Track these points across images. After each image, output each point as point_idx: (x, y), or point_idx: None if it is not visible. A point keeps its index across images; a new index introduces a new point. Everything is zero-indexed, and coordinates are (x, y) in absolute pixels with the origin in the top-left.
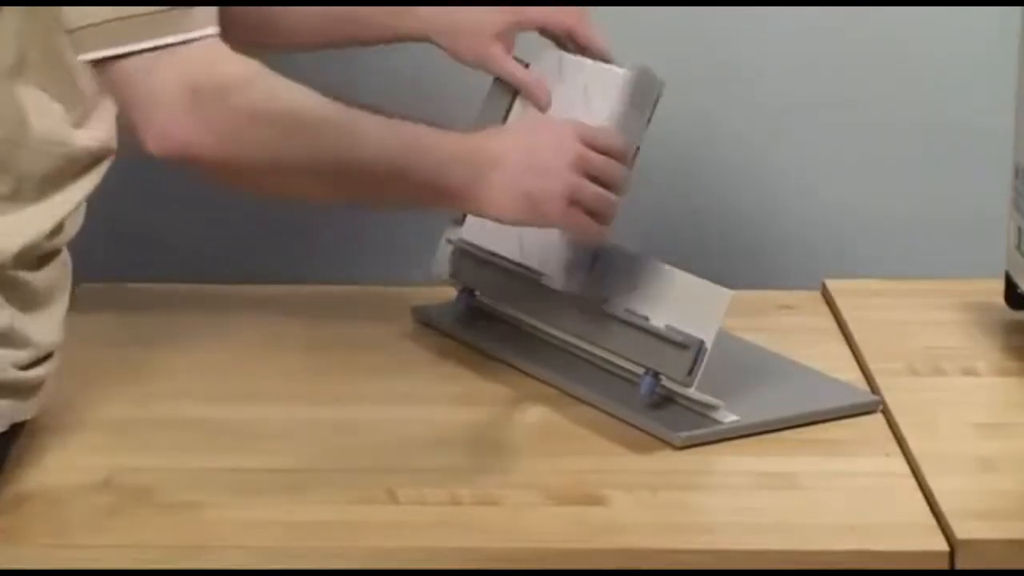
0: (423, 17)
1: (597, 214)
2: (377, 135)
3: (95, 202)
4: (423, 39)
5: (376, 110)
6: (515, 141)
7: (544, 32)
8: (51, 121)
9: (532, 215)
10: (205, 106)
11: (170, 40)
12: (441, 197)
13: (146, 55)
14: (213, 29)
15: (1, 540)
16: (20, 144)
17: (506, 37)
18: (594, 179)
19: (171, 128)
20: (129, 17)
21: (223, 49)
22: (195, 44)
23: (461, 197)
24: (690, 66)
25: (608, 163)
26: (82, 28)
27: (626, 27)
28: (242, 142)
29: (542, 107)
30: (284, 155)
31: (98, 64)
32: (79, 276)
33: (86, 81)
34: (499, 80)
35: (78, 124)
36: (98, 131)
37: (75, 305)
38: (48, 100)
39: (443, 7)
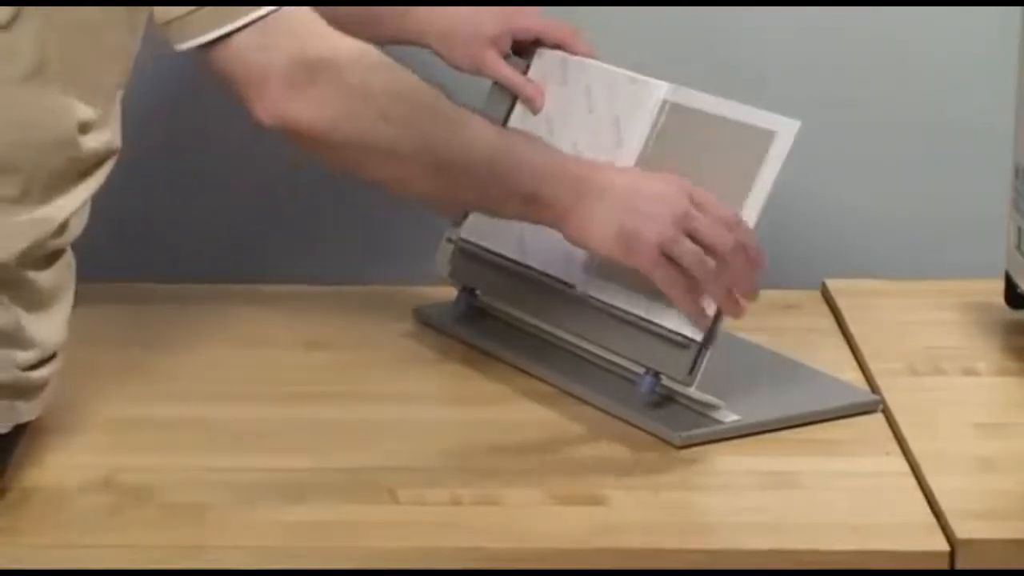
0: (419, 23)
1: (694, 275)
2: (486, 133)
3: (97, 201)
4: (419, 44)
5: (474, 110)
6: (624, 179)
7: (537, 44)
8: (61, 124)
9: (624, 253)
10: (319, 80)
11: (267, 10)
12: (536, 211)
13: (254, 29)
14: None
15: (1, 540)
16: (29, 146)
17: (501, 42)
18: (695, 240)
19: (285, 102)
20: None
21: (327, 27)
22: (294, 12)
23: (556, 217)
24: (690, 66)
25: (713, 226)
26: (184, 16)
27: (626, 27)
28: (354, 120)
29: (535, 109)
30: (394, 137)
31: (205, 48)
32: (80, 275)
33: (109, 81)
34: (498, 84)
35: (95, 124)
36: (105, 132)
37: (76, 304)
38: (63, 102)
39: (438, 13)
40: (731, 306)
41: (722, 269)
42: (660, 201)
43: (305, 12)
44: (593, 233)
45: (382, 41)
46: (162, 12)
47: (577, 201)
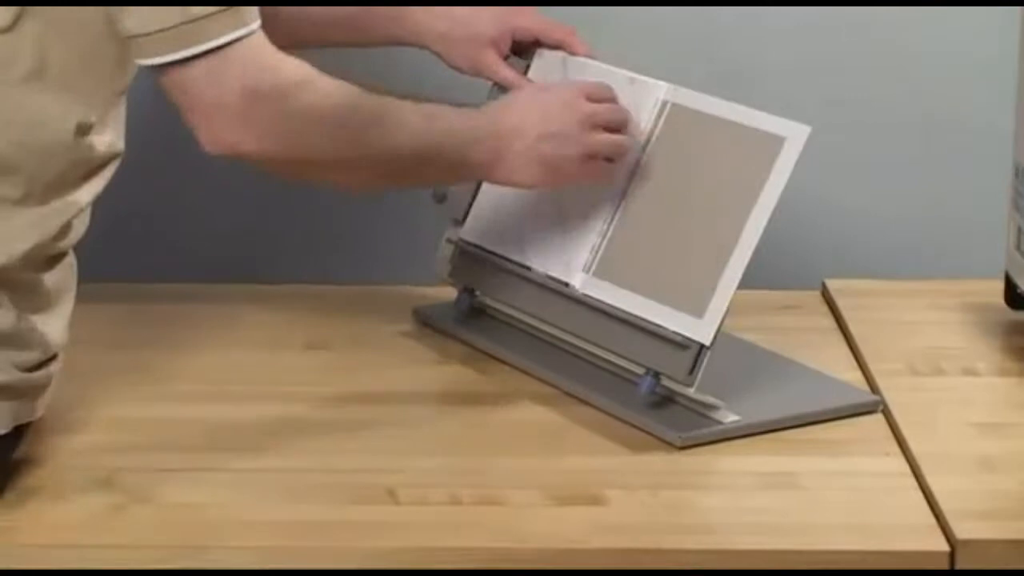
0: (418, 25)
1: (615, 158)
2: (414, 125)
3: (98, 202)
4: (419, 46)
5: (403, 96)
6: (528, 109)
7: (536, 44)
8: (61, 125)
9: (553, 178)
10: (266, 111)
11: (227, 39)
12: (470, 172)
13: (208, 59)
14: (258, 23)
15: (1, 540)
16: (31, 148)
17: (500, 42)
18: (604, 128)
19: (231, 132)
20: (186, 23)
21: (275, 51)
22: (249, 40)
23: (487, 169)
24: (690, 66)
25: (612, 110)
26: (143, 35)
27: (626, 27)
28: (298, 142)
29: None
30: (335, 151)
31: (160, 69)
32: (81, 275)
33: (110, 85)
34: (497, 85)
35: (96, 127)
36: (107, 134)
37: (76, 304)
38: (65, 104)
39: (436, 14)
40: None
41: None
42: (567, 113)
43: (257, 41)
44: (521, 174)
45: (380, 42)
46: (124, 26)
47: (497, 151)
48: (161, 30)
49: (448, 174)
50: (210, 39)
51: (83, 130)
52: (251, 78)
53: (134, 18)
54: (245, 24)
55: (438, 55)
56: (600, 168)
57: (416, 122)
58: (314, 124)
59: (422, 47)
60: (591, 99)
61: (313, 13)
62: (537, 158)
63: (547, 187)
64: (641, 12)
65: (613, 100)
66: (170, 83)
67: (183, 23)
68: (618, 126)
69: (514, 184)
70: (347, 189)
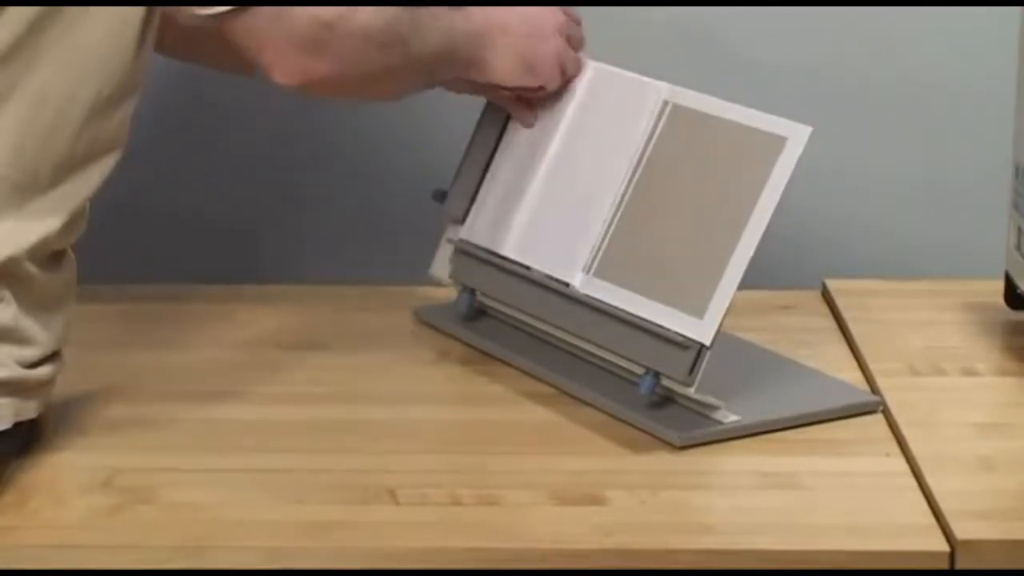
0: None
1: (572, 73)
2: (429, 22)
3: (97, 201)
4: None
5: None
6: (510, 10)
7: None
8: (64, 112)
9: (528, 76)
10: (333, 37)
11: None
12: (454, 66)
13: (251, 9)
14: None
15: (1, 540)
16: (33, 136)
17: None
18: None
19: (305, 64)
20: None
21: None
22: None
23: (472, 64)
24: (690, 66)
25: (577, 28)
26: None
27: (625, 27)
28: (363, 59)
29: (526, 127)
30: (390, 58)
31: (221, 17)
32: (81, 275)
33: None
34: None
35: (92, 115)
36: (111, 123)
37: (77, 305)
38: (60, 90)
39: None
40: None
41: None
42: (549, 18)
43: None
44: (499, 69)
45: None
46: None
47: (486, 45)
48: None
49: (432, 68)
50: None
51: (83, 118)
52: (310, 10)
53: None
54: None
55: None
56: (561, 78)
57: (431, 21)
58: (373, 40)
59: None
60: (565, 13)
61: None
62: (517, 56)
63: (519, 84)
64: (640, 11)
65: (577, 17)
66: (236, 29)
67: None
68: (578, 44)
69: (492, 78)
70: (392, 98)
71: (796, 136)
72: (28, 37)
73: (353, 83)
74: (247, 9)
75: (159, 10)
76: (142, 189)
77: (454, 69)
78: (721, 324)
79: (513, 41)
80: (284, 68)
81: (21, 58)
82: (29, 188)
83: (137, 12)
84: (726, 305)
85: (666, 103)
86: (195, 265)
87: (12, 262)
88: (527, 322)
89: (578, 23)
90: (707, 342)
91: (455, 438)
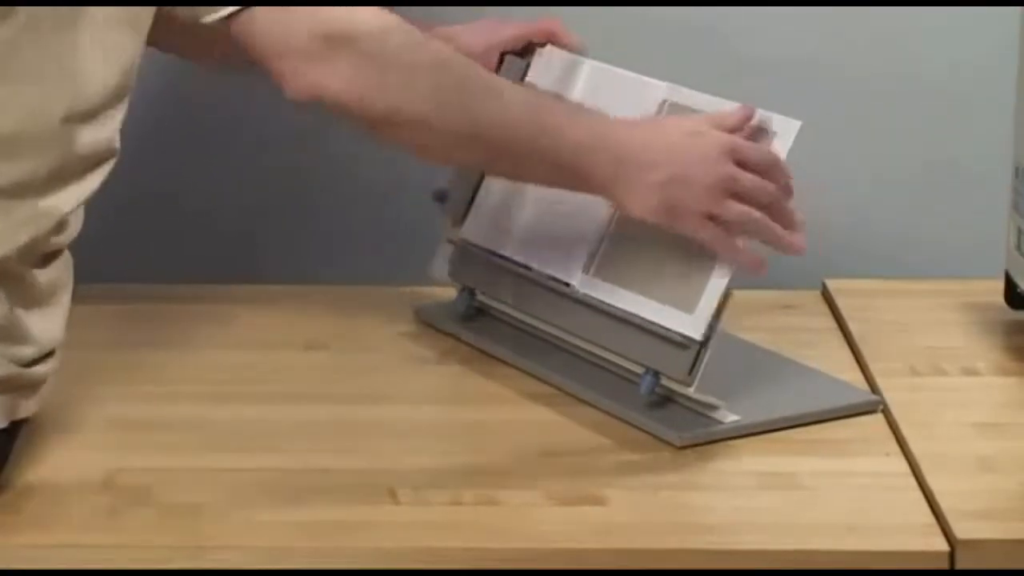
0: (460, 43)
1: (742, 230)
2: (524, 101)
3: (97, 201)
4: None
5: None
6: (667, 147)
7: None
8: (66, 118)
9: (669, 220)
10: (338, 53)
11: None
12: (576, 183)
13: (274, 8)
14: None
15: (1, 539)
16: (32, 137)
17: (488, 58)
18: (741, 199)
19: (308, 75)
20: None
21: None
22: None
23: (600, 187)
24: (689, 66)
25: (757, 184)
26: None
27: (625, 27)
28: (377, 88)
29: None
30: (421, 105)
31: (229, 19)
32: (80, 275)
33: (104, 79)
34: None
35: (89, 118)
36: (103, 130)
37: (76, 304)
38: (68, 97)
39: (472, 31)
40: (783, 243)
41: (770, 214)
42: (703, 166)
43: None
44: (636, 203)
45: None
46: None
47: (618, 172)
48: None
49: (551, 174)
50: None
51: (82, 120)
52: (317, 21)
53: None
54: None
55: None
56: (719, 233)
57: (528, 102)
58: (394, 74)
59: None
60: (740, 161)
61: None
62: (659, 197)
63: (658, 222)
64: (640, 11)
65: (766, 169)
66: (240, 34)
67: None
68: (757, 202)
69: (624, 211)
70: (438, 159)
71: (785, 130)
72: (13, 45)
73: (373, 118)
74: (252, 12)
75: (154, 15)
76: (142, 189)
77: (566, 180)
78: (713, 319)
79: (655, 182)
80: (289, 77)
81: (9, 68)
82: (21, 194)
83: (124, 21)
84: (716, 301)
85: (664, 101)
86: (195, 265)
87: (3, 262)
88: (527, 322)
89: (764, 171)
90: (698, 336)
91: (455, 438)
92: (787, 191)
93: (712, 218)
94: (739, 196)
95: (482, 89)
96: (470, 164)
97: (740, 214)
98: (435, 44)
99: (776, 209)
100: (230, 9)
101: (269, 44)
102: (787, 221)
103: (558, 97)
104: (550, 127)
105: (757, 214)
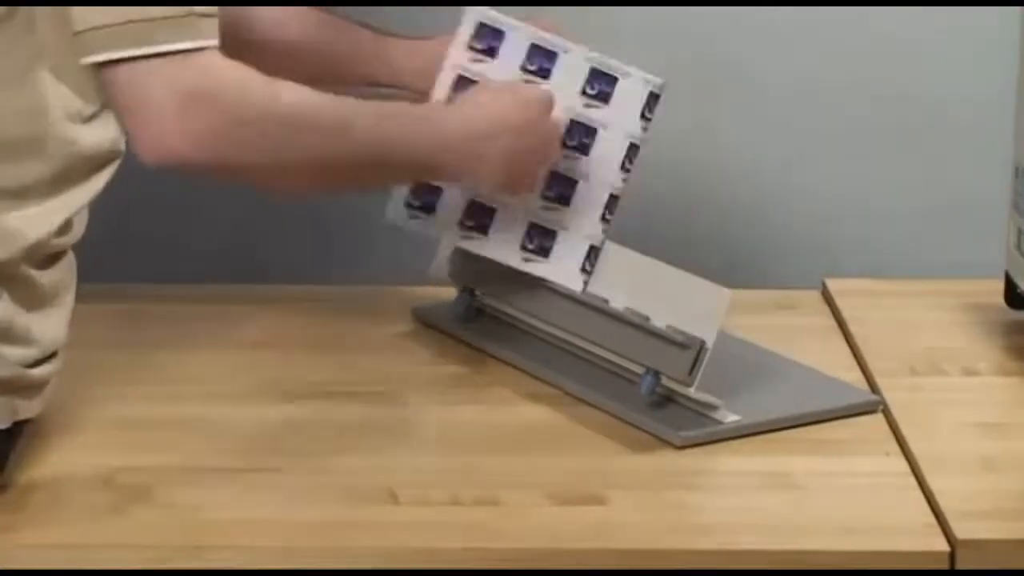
0: (391, 63)
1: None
2: (372, 126)
3: (97, 202)
4: (397, 86)
5: (368, 96)
6: (509, 119)
7: None
8: (65, 120)
9: (509, 188)
10: (196, 113)
11: (167, 48)
12: (437, 175)
13: (141, 62)
14: (214, 42)
15: (2, 539)
16: (34, 140)
17: None
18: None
19: (162, 136)
20: (127, 23)
21: (217, 56)
22: (192, 55)
23: (452, 177)
24: (689, 65)
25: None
26: (85, 31)
27: (625, 26)
28: (234, 145)
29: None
30: (275, 154)
31: (98, 68)
32: (81, 276)
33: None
34: None
35: (92, 120)
36: (107, 131)
37: (76, 304)
38: (64, 98)
39: (409, 52)
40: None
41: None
42: (541, 136)
43: (209, 56)
44: (482, 181)
45: (356, 82)
46: (72, 21)
47: (467, 160)
48: (95, 28)
49: (412, 175)
50: (143, 45)
51: (83, 122)
52: (183, 79)
53: (78, 14)
54: (190, 38)
55: (417, 91)
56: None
57: (378, 124)
58: (251, 127)
59: (401, 87)
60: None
61: (292, 56)
62: (504, 170)
63: (497, 191)
64: (639, 11)
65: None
66: (106, 84)
67: (132, 21)
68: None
69: (472, 185)
70: (301, 194)
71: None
72: (12, 46)
73: (231, 172)
74: (120, 63)
75: None
76: (142, 189)
77: (423, 175)
78: (721, 324)
79: (497, 155)
80: (144, 141)
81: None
82: (26, 196)
83: None
84: (726, 304)
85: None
86: (195, 265)
87: (7, 264)
88: (527, 322)
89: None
90: (709, 340)
91: (455, 438)
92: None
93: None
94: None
95: (332, 127)
96: (335, 191)
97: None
98: (288, 91)
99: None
100: (99, 57)
101: (132, 101)
102: None
103: (408, 108)
104: (399, 142)
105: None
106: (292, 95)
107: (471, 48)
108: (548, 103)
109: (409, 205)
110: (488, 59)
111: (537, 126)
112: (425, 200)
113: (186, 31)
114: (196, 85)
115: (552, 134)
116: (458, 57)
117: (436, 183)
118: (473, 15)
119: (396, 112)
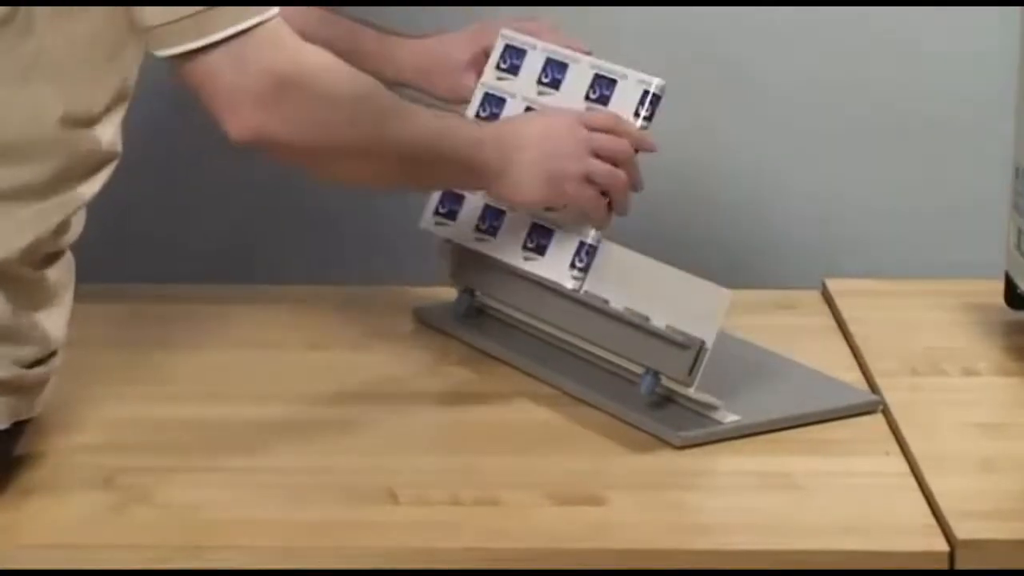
0: (395, 62)
1: (610, 192)
2: (426, 118)
3: (97, 202)
4: (401, 84)
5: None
6: (533, 128)
7: None
8: (63, 121)
9: (553, 193)
10: (290, 96)
11: (245, 25)
12: (477, 177)
13: (227, 46)
14: (277, 9)
15: (2, 539)
16: (32, 142)
17: (477, 62)
18: (602, 158)
19: (258, 120)
20: (206, 10)
21: (295, 37)
22: (267, 26)
23: (495, 176)
24: (689, 66)
25: (611, 139)
26: (162, 25)
27: (625, 26)
28: (326, 127)
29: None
30: (357, 138)
31: (179, 59)
32: (80, 275)
33: (105, 79)
34: None
35: (97, 123)
36: (106, 133)
37: (76, 304)
38: (62, 99)
39: (413, 51)
40: (627, 203)
41: (627, 172)
42: (566, 136)
43: (277, 27)
44: (524, 188)
45: None
46: (142, 17)
47: (505, 160)
48: (178, 19)
49: (456, 175)
50: (228, 26)
51: (81, 123)
52: (269, 65)
53: (152, 10)
54: (262, 11)
55: (421, 90)
56: (595, 195)
57: (429, 118)
58: (340, 111)
59: (404, 85)
60: (588, 126)
61: None
62: (541, 172)
63: (545, 203)
64: (639, 11)
65: (604, 127)
66: (190, 73)
67: (200, 12)
68: (615, 157)
69: (516, 195)
70: (363, 182)
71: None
72: (11, 47)
73: (317, 153)
74: (205, 52)
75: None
76: (141, 189)
77: (468, 178)
78: (721, 324)
79: (535, 159)
80: (234, 123)
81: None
82: (24, 197)
83: (111, 28)
84: (726, 304)
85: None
86: (195, 265)
87: (6, 263)
88: (527, 322)
89: (610, 129)
90: (709, 341)
91: (455, 438)
92: (638, 140)
93: (588, 182)
94: (599, 154)
95: (403, 115)
96: (398, 185)
97: (608, 172)
98: (364, 78)
99: (632, 164)
100: (184, 48)
101: (220, 88)
102: (636, 178)
103: (447, 112)
104: (449, 136)
105: (621, 173)
106: (369, 82)
107: (498, 67)
108: (575, 117)
109: (437, 212)
110: (511, 77)
111: (565, 132)
112: (450, 207)
113: (246, 10)
114: (288, 67)
115: (582, 141)
116: (488, 76)
117: (463, 191)
118: (502, 39)
119: (442, 111)
